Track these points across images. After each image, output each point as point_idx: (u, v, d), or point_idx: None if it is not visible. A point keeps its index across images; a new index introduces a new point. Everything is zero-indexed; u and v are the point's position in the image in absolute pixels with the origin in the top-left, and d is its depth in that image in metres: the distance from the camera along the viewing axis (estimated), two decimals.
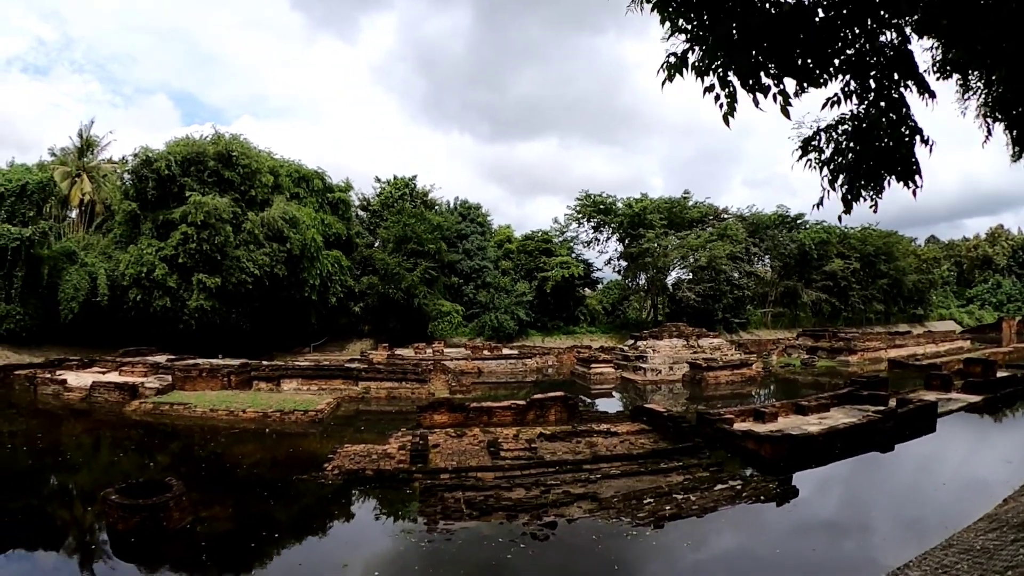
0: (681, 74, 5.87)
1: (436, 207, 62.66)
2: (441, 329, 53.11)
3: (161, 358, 33.66)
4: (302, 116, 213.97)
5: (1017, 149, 9.18)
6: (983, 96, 9.49)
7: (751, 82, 5.85)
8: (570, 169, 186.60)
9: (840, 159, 6.60)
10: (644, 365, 38.65)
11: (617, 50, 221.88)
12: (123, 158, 50.27)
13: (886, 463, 18.65)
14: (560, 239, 65.02)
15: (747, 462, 17.59)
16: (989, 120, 9.45)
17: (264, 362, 32.23)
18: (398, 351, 43.22)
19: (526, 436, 19.38)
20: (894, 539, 12.16)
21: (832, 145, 6.66)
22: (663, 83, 6.06)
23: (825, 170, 6.71)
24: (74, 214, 51.66)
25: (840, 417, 21.74)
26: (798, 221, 75.84)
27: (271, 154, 48.07)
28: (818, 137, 6.72)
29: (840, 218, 7.23)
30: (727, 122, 5.96)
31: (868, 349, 47.21)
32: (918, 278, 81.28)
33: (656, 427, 20.57)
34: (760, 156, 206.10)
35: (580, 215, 65.21)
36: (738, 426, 19.92)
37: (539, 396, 22.10)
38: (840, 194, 6.74)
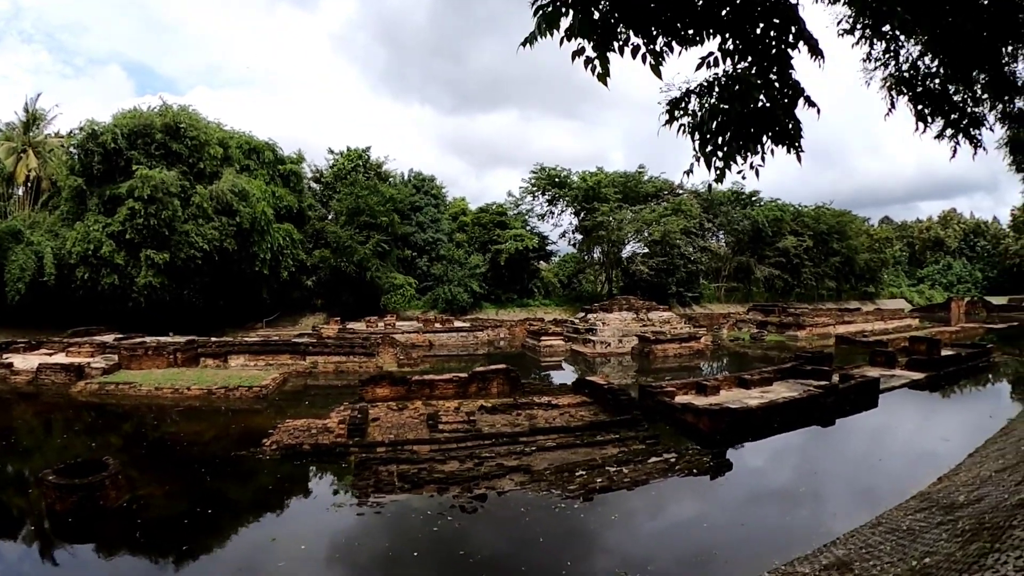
0: (550, 34, 5.29)
1: (390, 179, 62.27)
2: (394, 302, 53.19)
3: (109, 337, 33.10)
4: (259, 87, 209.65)
5: (921, 124, 9.14)
6: (889, 67, 9.29)
7: (619, 43, 5.45)
8: (530, 142, 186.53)
9: (713, 122, 6.06)
10: (594, 338, 39.36)
11: None
12: (71, 132, 48.71)
13: (825, 438, 18.87)
14: (515, 212, 65.23)
15: (686, 435, 17.75)
16: (893, 92, 9.25)
17: (211, 339, 32.06)
18: (350, 325, 43.29)
19: (467, 409, 19.77)
20: (824, 514, 12.19)
21: (706, 107, 6.08)
22: (520, 45, 5.49)
23: (696, 135, 6.16)
24: (20, 191, 49.97)
25: (782, 391, 22.09)
26: (752, 198, 77.25)
27: (220, 125, 47.11)
28: (688, 99, 6.20)
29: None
30: (605, 83, 5.46)
31: (817, 325, 47.93)
32: (870, 257, 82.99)
33: (597, 399, 20.89)
34: None
35: (535, 188, 65.51)
36: (680, 399, 20.27)
37: (481, 369, 22.42)
38: (712, 162, 6.19)
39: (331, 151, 62.71)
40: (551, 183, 65.00)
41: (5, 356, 29.36)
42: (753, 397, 21.16)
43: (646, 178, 69.02)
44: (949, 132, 9.94)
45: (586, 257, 70.84)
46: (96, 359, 28.89)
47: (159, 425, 20.05)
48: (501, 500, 12.62)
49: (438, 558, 10.36)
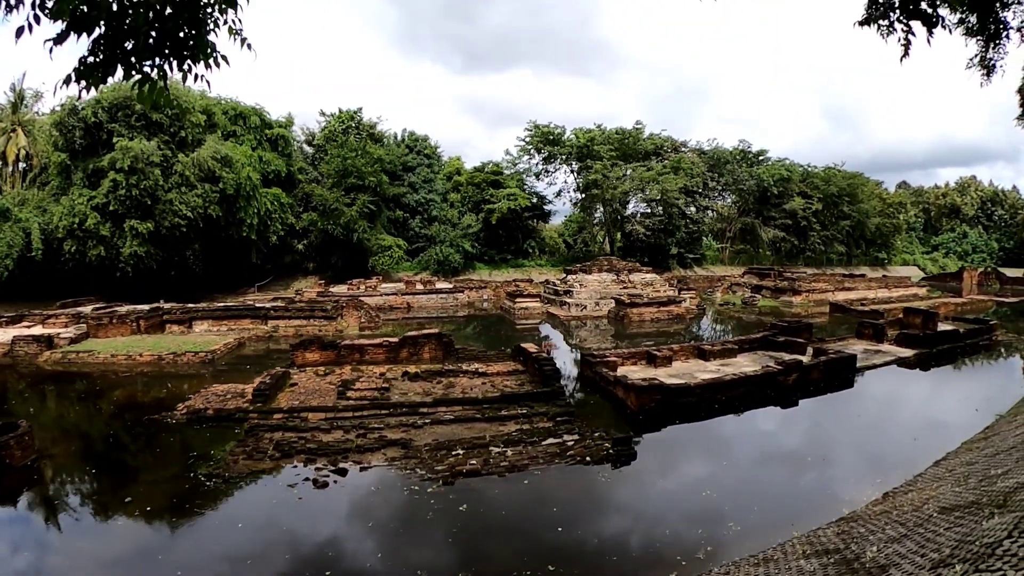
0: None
1: (384, 140, 62.00)
2: (382, 263, 53.38)
3: (88, 308, 33.98)
4: (269, 48, 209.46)
5: None
6: None
7: None
8: (544, 102, 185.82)
9: None
10: (569, 300, 39.02)
11: None
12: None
13: (774, 423, 17.19)
14: (512, 171, 64.52)
15: (618, 412, 16.55)
16: None
17: (188, 304, 32.83)
18: (332, 288, 43.87)
19: (393, 375, 19.98)
20: (714, 535, 10.19)
21: None
22: None
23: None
24: (11, 170, 51.37)
25: (744, 365, 20.96)
26: (760, 157, 75.39)
27: (204, 93, 47.33)
28: None
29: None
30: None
31: (814, 290, 45.94)
32: (882, 222, 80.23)
33: (528, 368, 20.30)
34: (735, 94, 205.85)
35: (529, 146, 64.60)
36: (623, 370, 19.63)
37: (413, 333, 22.47)
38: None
39: (323, 113, 62.63)
40: (545, 141, 63.98)
41: None
42: (709, 370, 20.23)
43: (646, 135, 67.52)
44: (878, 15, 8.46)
45: (589, 217, 69.85)
46: (69, 329, 29.69)
47: (100, 390, 20.82)
48: (360, 476, 12.48)
49: (253, 535, 10.48)
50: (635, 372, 19.64)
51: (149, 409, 17.68)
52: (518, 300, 40.46)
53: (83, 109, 40.33)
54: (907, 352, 24.70)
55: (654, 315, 36.69)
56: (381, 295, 41.16)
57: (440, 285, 46.03)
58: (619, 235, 66.55)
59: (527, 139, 64.52)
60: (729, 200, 77.24)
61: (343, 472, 12.60)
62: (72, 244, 40.16)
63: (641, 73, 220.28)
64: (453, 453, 13.37)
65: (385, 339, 22.19)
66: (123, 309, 31.94)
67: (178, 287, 43.03)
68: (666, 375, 19.21)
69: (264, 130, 51.81)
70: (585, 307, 38.60)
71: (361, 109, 61.43)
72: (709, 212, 73.64)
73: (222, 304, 31.82)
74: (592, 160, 60.81)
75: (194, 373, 22.97)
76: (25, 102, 51.59)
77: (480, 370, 20.71)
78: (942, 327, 28.93)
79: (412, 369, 20.43)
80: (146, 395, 19.98)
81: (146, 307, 31.19)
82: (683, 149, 71.34)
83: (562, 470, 12.72)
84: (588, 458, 13.18)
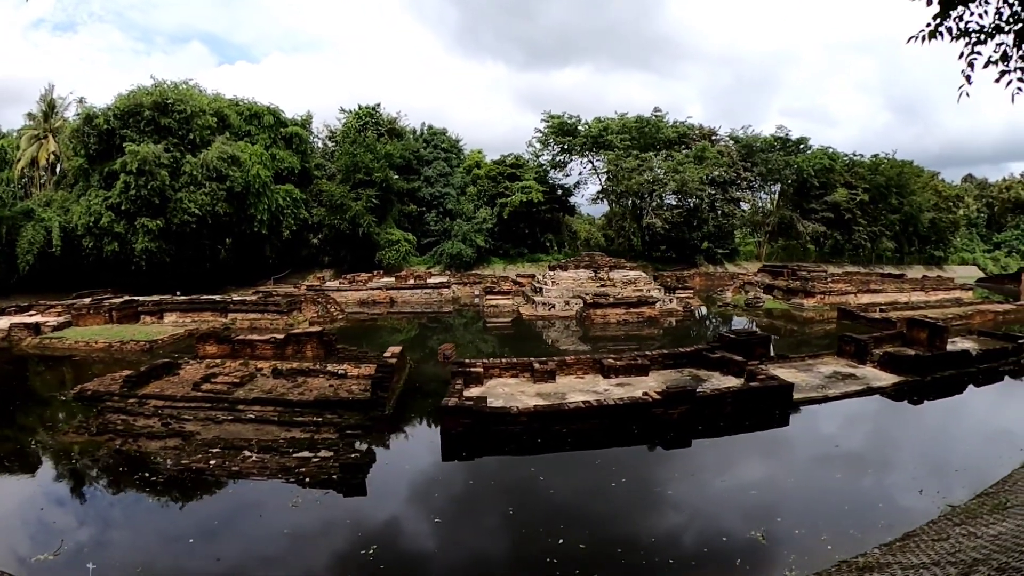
0: None
1: (403, 135, 63.41)
2: (389, 257, 54.69)
3: (87, 300, 37.28)
4: (332, 50, 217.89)
5: None
6: None
7: None
8: (605, 96, 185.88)
9: None
10: (538, 299, 38.46)
11: None
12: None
13: (617, 471, 12.80)
14: (534, 163, 64.37)
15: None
16: None
17: (170, 297, 35.75)
18: (329, 282, 46.15)
19: (267, 370, 21.38)
20: None
21: None
22: None
23: None
24: (43, 173, 56.37)
25: (648, 386, 17.93)
26: (800, 145, 71.16)
27: (220, 95, 50.93)
28: None
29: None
30: None
31: (832, 292, 41.24)
32: (937, 216, 74.41)
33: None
34: (801, 86, 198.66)
35: (548, 137, 64.28)
36: (493, 383, 18.54)
37: (297, 332, 23.76)
38: None
39: (342, 110, 64.68)
40: (560, 131, 63.54)
41: None
42: (595, 391, 17.90)
43: (671, 123, 66.03)
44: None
45: (619, 210, 68.33)
46: (61, 318, 32.95)
47: (40, 370, 24.17)
48: (124, 459, 13.49)
49: None
50: (508, 387, 18.44)
51: (55, 387, 20.48)
52: (488, 297, 40.59)
53: (97, 117, 44.58)
54: (888, 379, 19.73)
55: (621, 317, 34.93)
56: (367, 290, 43.03)
57: (433, 280, 47.36)
58: (639, 228, 65.38)
59: (545, 130, 64.30)
60: (766, 192, 74.21)
61: (121, 453, 13.86)
62: (90, 240, 44.37)
63: (704, 66, 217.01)
64: (212, 451, 13.83)
65: (272, 336, 23.45)
66: (116, 300, 35.11)
67: (196, 280, 46.45)
68: (535, 393, 17.86)
69: (279, 128, 54.60)
70: (553, 306, 37.56)
71: (379, 104, 63.42)
72: (742, 204, 71.05)
73: (187, 298, 34.35)
74: (605, 151, 60.21)
75: (133, 360, 25.24)
76: (57, 110, 56.18)
77: (342, 372, 20.80)
78: (961, 344, 24.27)
79: (283, 366, 21.63)
80: (74, 376, 22.36)
81: (119, 299, 34.27)
82: (715, 136, 69.07)
83: (275, 486, 11.86)
84: (308, 479, 12.15)
